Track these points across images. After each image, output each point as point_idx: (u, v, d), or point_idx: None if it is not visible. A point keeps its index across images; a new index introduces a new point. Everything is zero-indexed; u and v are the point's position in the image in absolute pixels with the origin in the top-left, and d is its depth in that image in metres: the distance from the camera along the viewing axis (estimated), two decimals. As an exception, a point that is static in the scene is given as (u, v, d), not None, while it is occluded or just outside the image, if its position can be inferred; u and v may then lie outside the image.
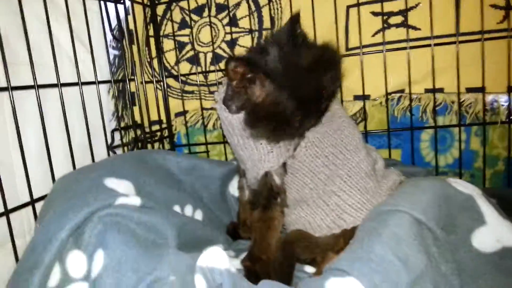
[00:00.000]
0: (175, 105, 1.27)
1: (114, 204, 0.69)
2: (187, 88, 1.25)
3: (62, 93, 0.83)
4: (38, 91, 0.77)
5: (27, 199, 0.77)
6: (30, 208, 0.78)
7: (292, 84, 0.76)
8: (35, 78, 0.77)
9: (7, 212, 0.70)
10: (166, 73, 1.25)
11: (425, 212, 0.66)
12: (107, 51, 1.00)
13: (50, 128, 0.82)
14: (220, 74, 1.20)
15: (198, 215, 0.93)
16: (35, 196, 0.77)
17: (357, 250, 0.63)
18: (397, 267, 0.59)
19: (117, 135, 1.05)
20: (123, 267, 0.62)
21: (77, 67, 0.87)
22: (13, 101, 0.73)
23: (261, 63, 0.77)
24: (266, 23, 1.19)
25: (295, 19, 0.82)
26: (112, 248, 0.63)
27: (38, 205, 0.77)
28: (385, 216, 0.67)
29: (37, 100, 0.77)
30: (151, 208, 0.75)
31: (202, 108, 1.24)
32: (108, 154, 0.99)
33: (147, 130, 1.15)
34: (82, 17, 0.93)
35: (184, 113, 1.26)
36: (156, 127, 1.21)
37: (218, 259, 0.61)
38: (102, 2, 1.01)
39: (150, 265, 0.62)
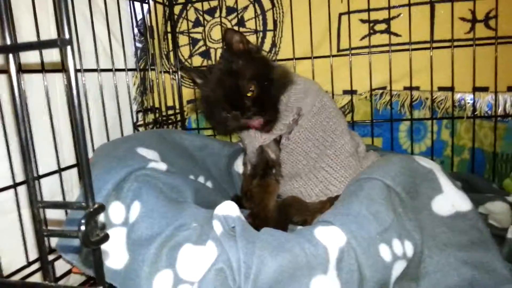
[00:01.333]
0: (187, 93, 1.37)
1: (146, 167, 0.82)
2: None
3: (100, 78, 0.98)
4: (83, 75, 0.92)
5: (70, 162, 0.91)
6: (73, 170, 0.91)
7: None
8: (82, 64, 0.92)
9: (60, 170, 0.85)
10: (180, 65, 1.36)
11: (394, 179, 0.77)
12: (135, 44, 1.15)
13: (89, 106, 0.96)
14: None
15: (209, 185, 1.06)
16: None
17: (339, 207, 0.76)
18: (369, 220, 0.70)
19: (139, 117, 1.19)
20: (155, 214, 0.74)
21: (112, 56, 1.02)
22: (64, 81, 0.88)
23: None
24: (270, 25, 1.30)
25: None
26: (145, 200, 0.76)
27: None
28: (362, 182, 0.79)
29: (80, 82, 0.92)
30: (173, 173, 0.87)
31: None
32: (133, 131, 1.14)
33: (164, 113, 1.28)
34: (114, 14, 1.07)
35: (194, 100, 1.36)
36: (170, 112, 1.33)
37: (231, 209, 0.72)
38: (130, 2, 1.16)
39: (176, 214, 0.75)
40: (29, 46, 0.28)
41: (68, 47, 0.26)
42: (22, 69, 0.76)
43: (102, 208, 0.29)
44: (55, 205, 0.33)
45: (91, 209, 0.29)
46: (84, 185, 0.30)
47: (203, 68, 1.28)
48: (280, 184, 1.01)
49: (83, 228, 0.28)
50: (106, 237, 0.29)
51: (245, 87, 0.91)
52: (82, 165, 0.29)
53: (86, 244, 0.28)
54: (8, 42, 0.29)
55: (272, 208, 0.97)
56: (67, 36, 0.26)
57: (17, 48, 0.28)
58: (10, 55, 0.29)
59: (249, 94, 0.91)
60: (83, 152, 0.28)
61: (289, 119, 0.97)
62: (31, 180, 0.30)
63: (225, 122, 0.96)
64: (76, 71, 0.28)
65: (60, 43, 0.26)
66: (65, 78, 0.86)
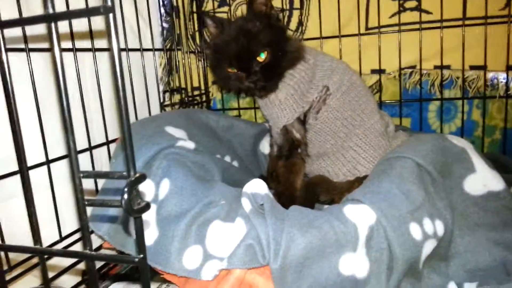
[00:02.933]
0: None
1: (175, 145, 0.83)
2: None
3: (129, 57, 0.99)
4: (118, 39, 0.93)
5: (100, 141, 0.93)
6: (103, 148, 0.93)
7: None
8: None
9: (90, 148, 0.87)
10: (206, 45, 1.34)
11: (425, 158, 0.76)
12: (161, 24, 1.15)
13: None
14: None
15: (235, 164, 1.06)
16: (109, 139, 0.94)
17: (369, 186, 0.76)
18: (400, 198, 0.70)
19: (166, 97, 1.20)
20: (184, 192, 0.76)
21: (139, 36, 1.03)
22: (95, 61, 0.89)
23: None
24: (296, 4, 1.27)
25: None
26: (175, 178, 0.77)
27: (111, 146, 0.94)
28: (393, 161, 0.79)
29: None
30: (201, 152, 0.89)
31: None
32: (160, 110, 1.15)
33: (189, 94, 1.29)
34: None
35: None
36: (196, 92, 1.34)
37: (260, 186, 0.73)
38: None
39: (204, 192, 0.76)
40: (71, 14, 0.28)
41: (111, 14, 0.26)
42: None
43: (143, 177, 0.30)
44: (96, 174, 0.33)
45: (133, 178, 0.29)
46: (126, 155, 0.30)
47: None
48: (306, 163, 1.01)
49: (126, 196, 0.29)
50: (147, 206, 0.30)
51: (258, 51, 0.90)
52: (125, 136, 0.30)
53: (129, 212, 0.29)
54: (51, 11, 0.29)
55: (298, 187, 0.98)
56: (109, 3, 0.26)
57: (58, 16, 0.28)
58: (53, 24, 0.29)
59: (260, 59, 0.91)
60: (125, 123, 0.28)
61: (313, 96, 0.97)
62: (73, 150, 0.30)
63: (228, 79, 0.96)
64: (118, 39, 0.28)
65: (103, 10, 0.26)
66: (108, 43, 0.87)
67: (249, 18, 0.93)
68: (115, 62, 0.27)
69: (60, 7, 0.79)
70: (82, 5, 0.86)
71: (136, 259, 0.31)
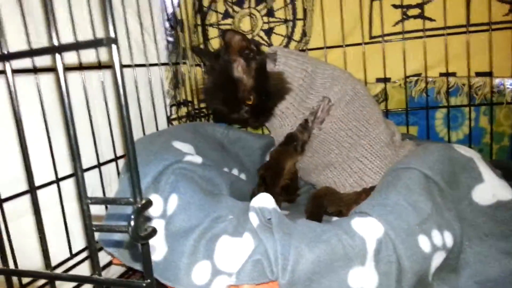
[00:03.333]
0: (218, 86, 1.39)
1: (182, 160, 0.83)
2: None
3: (135, 73, 1.00)
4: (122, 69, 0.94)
5: (109, 157, 0.93)
6: (112, 164, 0.93)
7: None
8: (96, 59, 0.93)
9: (99, 165, 0.87)
10: (192, 46, 1.32)
11: (432, 169, 0.76)
12: (166, 38, 1.16)
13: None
14: None
15: (243, 177, 1.06)
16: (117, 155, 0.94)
17: (376, 198, 0.75)
18: (408, 210, 0.69)
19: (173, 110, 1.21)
20: (192, 207, 0.76)
21: (145, 51, 1.04)
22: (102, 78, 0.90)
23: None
24: (300, 14, 1.28)
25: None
26: (183, 193, 0.77)
27: (119, 162, 0.94)
28: (399, 172, 0.78)
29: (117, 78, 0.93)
30: (209, 166, 0.88)
31: None
32: (167, 124, 1.16)
33: (196, 106, 1.30)
34: (145, 8, 1.08)
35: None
36: (203, 105, 1.34)
37: (267, 201, 0.72)
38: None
39: (212, 206, 0.77)
40: (76, 46, 0.28)
41: (114, 46, 0.27)
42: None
43: (150, 203, 0.30)
44: (104, 201, 0.34)
45: (139, 205, 0.29)
46: (132, 181, 0.30)
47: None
48: (300, 155, 1.04)
49: (132, 223, 0.29)
50: (154, 232, 0.30)
51: (244, 97, 0.96)
52: (130, 161, 0.30)
53: (135, 239, 0.29)
54: (55, 43, 0.29)
55: (286, 168, 1.02)
56: (112, 35, 0.27)
57: (64, 48, 0.29)
58: (57, 55, 0.30)
59: (248, 102, 0.97)
60: (130, 148, 0.29)
61: (312, 103, 0.98)
62: (81, 176, 0.30)
63: (222, 113, 1.02)
64: (122, 67, 0.28)
65: (106, 42, 0.27)
66: (112, 75, 0.87)
67: (230, 59, 0.96)
68: (120, 94, 0.27)
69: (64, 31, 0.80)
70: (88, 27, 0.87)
71: (144, 284, 0.31)
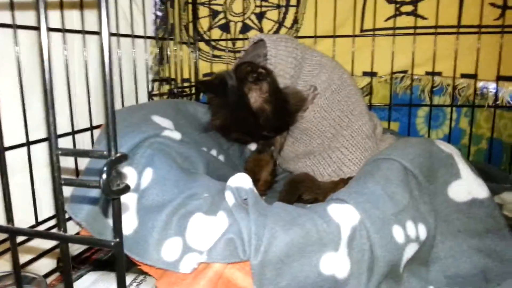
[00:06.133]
0: (204, 66, 1.36)
1: (161, 135, 0.81)
2: (216, 52, 1.35)
3: (119, 43, 0.97)
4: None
5: (84, 126, 0.90)
6: (87, 133, 0.90)
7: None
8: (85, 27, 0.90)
9: (73, 133, 0.85)
10: (199, 37, 1.34)
11: (412, 161, 0.76)
12: (155, 12, 1.13)
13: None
14: (246, 42, 1.31)
15: (221, 158, 1.05)
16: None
17: (354, 186, 0.75)
18: (385, 200, 0.69)
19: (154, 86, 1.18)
20: (167, 182, 0.74)
21: (132, 23, 1.01)
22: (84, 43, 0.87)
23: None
24: (293, 0, 1.27)
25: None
26: (158, 167, 0.75)
27: (95, 132, 0.91)
28: (379, 162, 0.78)
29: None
30: (187, 143, 0.87)
31: None
32: (148, 99, 1.13)
33: (179, 85, 1.27)
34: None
35: (211, 74, 1.35)
36: (186, 84, 1.32)
37: (244, 180, 0.71)
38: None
39: (187, 184, 0.75)
40: None
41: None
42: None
43: (124, 157, 0.28)
44: (75, 152, 0.32)
45: (113, 158, 0.28)
46: (107, 134, 0.29)
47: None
48: (275, 159, 1.05)
49: (104, 176, 0.27)
50: (127, 188, 0.28)
51: (266, 125, 0.93)
52: (108, 115, 0.28)
53: (107, 193, 0.28)
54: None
55: (262, 178, 1.04)
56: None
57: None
58: (42, 10, 0.28)
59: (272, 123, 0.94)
60: (109, 100, 0.27)
61: None
62: (52, 125, 0.29)
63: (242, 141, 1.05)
64: (112, 34, 0.26)
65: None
66: (100, 40, 0.85)
67: (244, 92, 0.92)
68: (104, 55, 0.25)
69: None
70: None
71: (112, 243, 0.29)
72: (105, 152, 0.28)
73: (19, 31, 0.72)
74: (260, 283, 0.61)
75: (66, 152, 0.29)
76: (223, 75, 0.95)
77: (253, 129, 0.94)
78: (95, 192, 0.74)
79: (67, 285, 0.32)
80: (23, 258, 0.73)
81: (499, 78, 1.13)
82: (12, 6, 0.68)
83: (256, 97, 0.91)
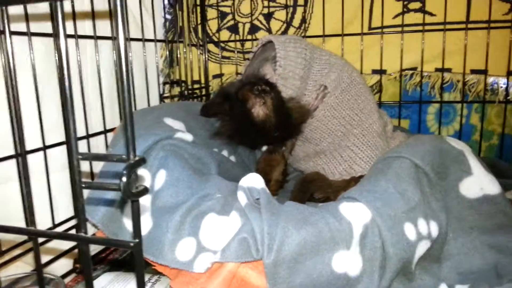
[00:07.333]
0: (213, 68, 1.37)
1: (173, 137, 0.82)
2: (225, 53, 1.36)
3: (130, 47, 0.98)
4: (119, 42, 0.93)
5: (98, 128, 0.92)
6: (101, 136, 0.92)
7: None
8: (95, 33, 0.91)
9: (88, 136, 0.86)
10: (208, 39, 1.35)
11: (423, 159, 0.76)
12: (164, 15, 1.14)
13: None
14: (255, 43, 1.32)
15: (232, 159, 1.05)
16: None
17: (365, 184, 0.75)
18: (396, 198, 0.69)
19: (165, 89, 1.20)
20: (180, 183, 0.75)
21: (142, 26, 1.02)
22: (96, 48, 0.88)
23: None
24: (300, 0, 1.27)
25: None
26: (171, 169, 0.76)
27: (109, 135, 0.93)
28: (390, 160, 0.78)
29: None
30: (199, 144, 0.88)
31: (237, 73, 1.34)
32: (160, 102, 1.14)
33: (189, 87, 1.28)
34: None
35: (220, 75, 1.36)
36: (196, 86, 1.33)
37: (256, 180, 0.72)
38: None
39: (200, 184, 0.76)
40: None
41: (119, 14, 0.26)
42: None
43: (143, 160, 0.29)
44: (95, 157, 0.33)
45: (132, 161, 0.29)
46: (126, 137, 0.30)
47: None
48: (286, 159, 1.06)
49: (124, 179, 0.28)
50: (145, 190, 0.30)
51: (271, 136, 0.95)
52: (126, 118, 0.29)
53: (127, 195, 0.29)
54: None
55: (273, 178, 1.04)
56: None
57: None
58: (59, 6, 0.29)
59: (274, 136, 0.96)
60: (127, 104, 0.28)
61: (311, 95, 0.97)
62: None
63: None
64: (126, 39, 0.27)
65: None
66: (114, 46, 0.86)
67: (248, 109, 0.92)
68: (121, 59, 0.26)
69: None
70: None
71: (132, 244, 0.31)
72: (124, 156, 0.29)
73: (34, 38, 0.73)
74: (274, 281, 0.62)
75: (86, 157, 0.30)
76: (226, 90, 0.97)
77: (257, 140, 0.97)
78: (110, 195, 0.76)
79: (88, 285, 0.33)
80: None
81: (510, 73, 1.13)
82: (26, 17, 0.70)
83: (259, 111, 0.92)
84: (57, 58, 0.69)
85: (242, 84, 0.92)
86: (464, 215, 0.77)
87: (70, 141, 0.30)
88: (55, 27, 0.30)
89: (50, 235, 0.34)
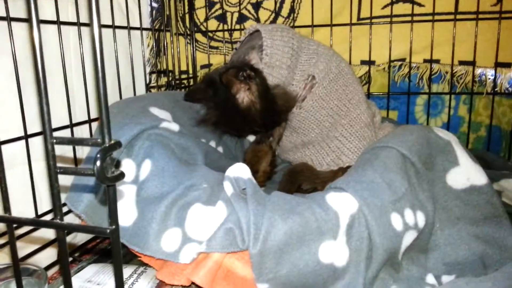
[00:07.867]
0: (201, 58, 1.35)
1: (159, 126, 0.81)
2: (213, 43, 1.34)
3: (115, 34, 0.96)
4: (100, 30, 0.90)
5: (83, 119, 0.90)
6: (85, 126, 0.90)
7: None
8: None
9: (71, 125, 0.84)
10: (195, 28, 1.33)
11: (410, 149, 0.76)
12: (151, 3, 1.12)
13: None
14: (243, 33, 1.30)
15: (220, 150, 1.05)
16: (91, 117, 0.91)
17: (352, 174, 0.75)
18: (383, 188, 0.69)
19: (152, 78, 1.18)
20: (166, 173, 0.74)
21: (127, 14, 1.00)
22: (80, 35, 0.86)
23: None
24: (289, -10, 1.25)
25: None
26: (157, 159, 0.75)
27: (93, 124, 0.91)
28: (377, 150, 0.78)
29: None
30: (185, 135, 0.87)
31: (225, 63, 1.31)
32: (146, 92, 1.13)
33: (177, 77, 1.27)
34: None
35: (208, 65, 1.35)
36: (184, 76, 1.31)
37: (242, 171, 0.72)
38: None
39: (186, 175, 0.75)
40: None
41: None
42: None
43: (118, 144, 0.28)
44: (70, 141, 0.32)
45: (107, 145, 0.28)
46: (101, 121, 0.28)
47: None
48: (274, 150, 1.06)
49: (98, 163, 0.27)
50: (121, 175, 0.28)
51: (256, 122, 0.94)
52: (100, 102, 0.28)
53: (102, 180, 0.27)
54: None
55: (261, 169, 1.04)
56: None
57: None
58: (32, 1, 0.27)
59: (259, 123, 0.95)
60: (102, 89, 0.27)
61: (298, 85, 0.96)
62: (46, 112, 0.28)
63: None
64: (101, 25, 0.26)
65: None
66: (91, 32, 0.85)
67: (232, 94, 0.92)
68: (96, 43, 0.25)
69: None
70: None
71: (108, 230, 0.30)
72: (98, 140, 0.28)
73: (14, 23, 0.71)
74: (260, 272, 0.61)
75: (61, 141, 0.29)
76: (211, 76, 0.96)
77: (242, 127, 0.96)
78: (94, 185, 0.74)
79: (65, 273, 0.32)
80: (24, 251, 0.74)
81: (498, 65, 1.13)
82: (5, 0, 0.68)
83: (244, 97, 0.91)
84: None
85: (226, 69, 0.91)
86: (450, 206, 0.77)
87: (43, 121, 0.29)
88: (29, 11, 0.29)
89: (25, 222, 0.33)
